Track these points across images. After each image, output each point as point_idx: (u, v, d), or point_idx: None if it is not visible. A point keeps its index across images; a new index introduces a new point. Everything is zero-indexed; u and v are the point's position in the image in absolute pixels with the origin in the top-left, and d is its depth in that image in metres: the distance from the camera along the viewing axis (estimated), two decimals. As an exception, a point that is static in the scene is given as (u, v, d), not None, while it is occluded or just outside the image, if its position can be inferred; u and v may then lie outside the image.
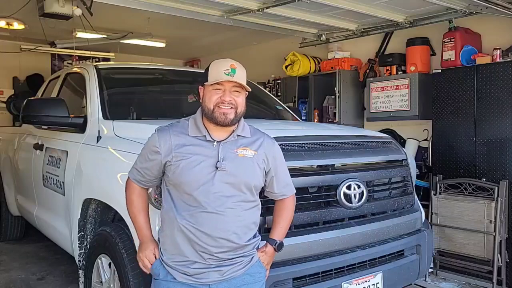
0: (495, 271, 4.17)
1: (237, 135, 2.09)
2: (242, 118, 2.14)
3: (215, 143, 2.04)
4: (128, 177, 2.20)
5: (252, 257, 2.11)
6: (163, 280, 2.06)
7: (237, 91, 2.06)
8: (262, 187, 2.17)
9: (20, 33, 7.07)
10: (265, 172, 2.14)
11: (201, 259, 2.00)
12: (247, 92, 2.13)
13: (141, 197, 2.19)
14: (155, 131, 2.11)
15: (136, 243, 2.39)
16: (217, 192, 1.99)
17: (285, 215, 2.25)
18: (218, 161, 2.00)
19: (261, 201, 2.17)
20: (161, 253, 2.09)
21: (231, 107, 2.03)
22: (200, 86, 2.14)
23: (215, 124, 2.05)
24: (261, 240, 2.20)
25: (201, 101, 2.11)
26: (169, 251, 2.05)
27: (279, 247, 2.21)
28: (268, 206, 2.31)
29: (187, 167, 1.99)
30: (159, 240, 2.13)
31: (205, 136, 2.05)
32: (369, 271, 2.67)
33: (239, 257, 2.05)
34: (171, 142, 2.04)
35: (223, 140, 2.05)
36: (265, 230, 2.29)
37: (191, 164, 2.00)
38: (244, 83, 2.07)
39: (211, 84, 2.05)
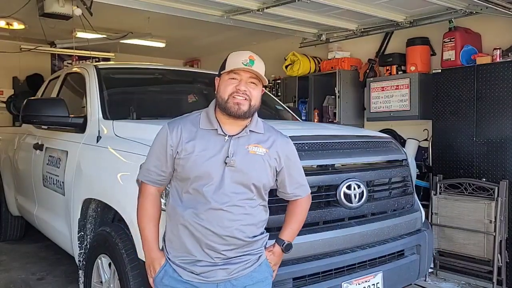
0: (495, 271, 4.16)
1: (250, 130, 2.02)
2: (256, 114, 2.07)
3: (226, 137, 1.98)
4: (141, 181, 2.07)
5: (260, 256, 2.06)
6: (169, 278, 2.00)
7: (253, 83, 2.00)
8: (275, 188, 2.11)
9: (20, 33, 7.07)
10: (276, 171, 2.06)
11: (207, 257, 1.95)
12: (263, 89, 2.07)
13: (156, 206, 2.06)
14: (166, 124, 2.04)
15: (136, 243, 2.39)
16: (224, 189, 1.93)
17: (297, 217, 2.18)
18: (228, 156, 1.94)
19: (268, 200, 2.11)
20: (167, 251, 2.03)
21: (245, 98, 1.96)
22: (216, 77, 2.07)
23: (228, 116, 1.97)
24: (270, 239, 2.14)
25: (215, 92, 2.03)
26: (176, 249, 2.00)
27: (286, 248, 2.15)
28: (271, 206, 2.28)
29: (196, 161, 1.93)
30: (164, 240, 2.07)
31: (216, 129, 1.99)
32: (369, 271, 2.67)
33: (246, 255, 2.00)
34: (181, 135, 1.97)
35: (235, 135, 1.99)
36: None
37: (201, 159, 1.93)
38: (262, 74, 2.01)
39: (228, 73, 1.99)
